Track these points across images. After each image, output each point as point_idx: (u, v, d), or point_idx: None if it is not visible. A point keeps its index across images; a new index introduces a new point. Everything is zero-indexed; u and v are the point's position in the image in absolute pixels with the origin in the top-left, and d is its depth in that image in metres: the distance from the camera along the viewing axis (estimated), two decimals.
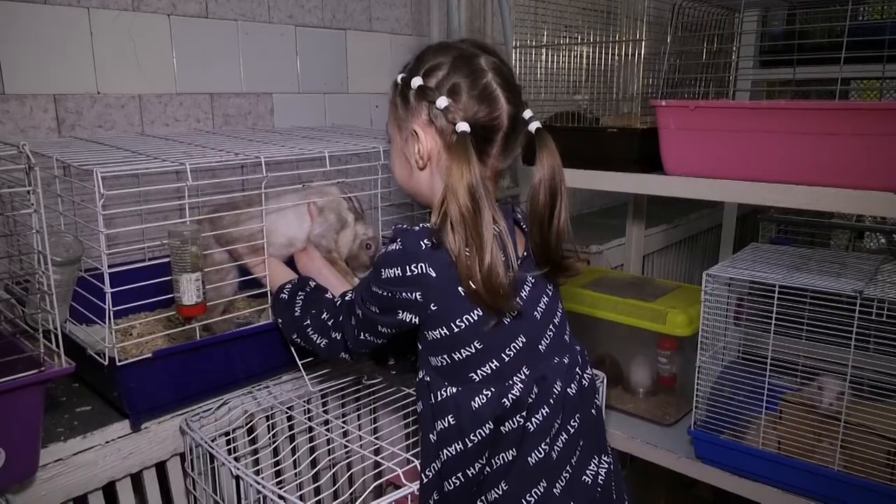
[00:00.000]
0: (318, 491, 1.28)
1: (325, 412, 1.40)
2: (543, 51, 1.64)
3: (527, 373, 0.96)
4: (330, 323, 1.09)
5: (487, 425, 0.94)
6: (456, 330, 0.92)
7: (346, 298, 1.09)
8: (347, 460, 1.43)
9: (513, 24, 1.85)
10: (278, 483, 1.28)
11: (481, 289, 0.89)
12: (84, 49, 1.44)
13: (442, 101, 0.93)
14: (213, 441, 1.13)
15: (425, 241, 0.91)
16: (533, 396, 0.95)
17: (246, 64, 1.69)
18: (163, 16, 1.54)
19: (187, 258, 1.06)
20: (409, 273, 0.91)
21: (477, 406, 0.94)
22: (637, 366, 1.67)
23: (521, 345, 0.96)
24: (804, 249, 1.56)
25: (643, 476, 2.26)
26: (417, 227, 0.94)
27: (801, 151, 1.22)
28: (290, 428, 1.35)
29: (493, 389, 0.94)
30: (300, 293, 1.17)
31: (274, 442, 1.31)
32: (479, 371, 0.94)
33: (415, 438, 1.29)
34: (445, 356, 0.95)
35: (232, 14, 1.65)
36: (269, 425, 1.30)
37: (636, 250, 2.20)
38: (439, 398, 0.96)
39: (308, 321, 1.12)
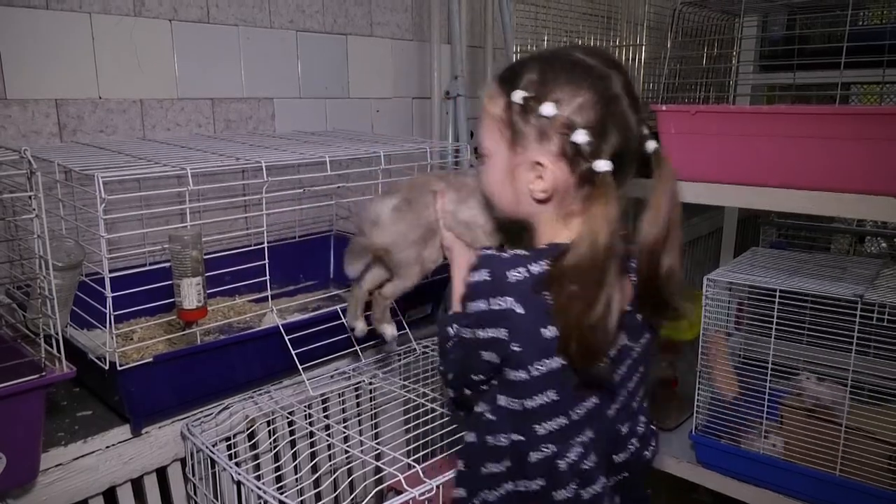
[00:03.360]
0: (318, 496, 1.27)
1: (326, 417, 1.40)
2: None
3: (590, 436, 0.88)
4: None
5: (538, 481, 0.87)
6: (535, 374, 0.83)
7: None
8: (348, 466, 1.43)
9: (513, 29, 1.86)
10: (279, 488, 1.27)
11: (577, 344, 0.81)
12: (85, 54, 1.44)
13: (581, 136, 0.82)
14: (213, 446, 1.12)
15: (519, 270, 0.83)
16: (590, 465, 0.87)
17: (247, 69, 1.70)
18: (164, 21, 1.54)
19: (188, 262, 1.06)
20: (494, 307, 0.83)
21: (534, 461, 0.86)
22: None
23: (591, 405, 0.87)
24: (804, 254, 1.56)
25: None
26: (508, 255, 0.86)
27: (801, 156, 1.22)
28: (292, 433, 1.35)
29: (553, 448, 0.86)
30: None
31: (275, 447, 1.31)
32: (545, 424, 0.86)
33: (416, 444, 1.29)
34: (517, 401, 0.86)
35: (233, 19, 1.65)
36: (269, 430, 1.30)
37: None
38: (500, 443, 0.89)
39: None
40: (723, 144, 1.32)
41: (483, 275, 0.84)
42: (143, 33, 1.52)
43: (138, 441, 1.12)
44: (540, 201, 0.88)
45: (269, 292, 1.24)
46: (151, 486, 1.17)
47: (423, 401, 1.33)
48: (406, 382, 1.40)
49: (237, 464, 1.14)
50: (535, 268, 0.83)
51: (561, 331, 0.81)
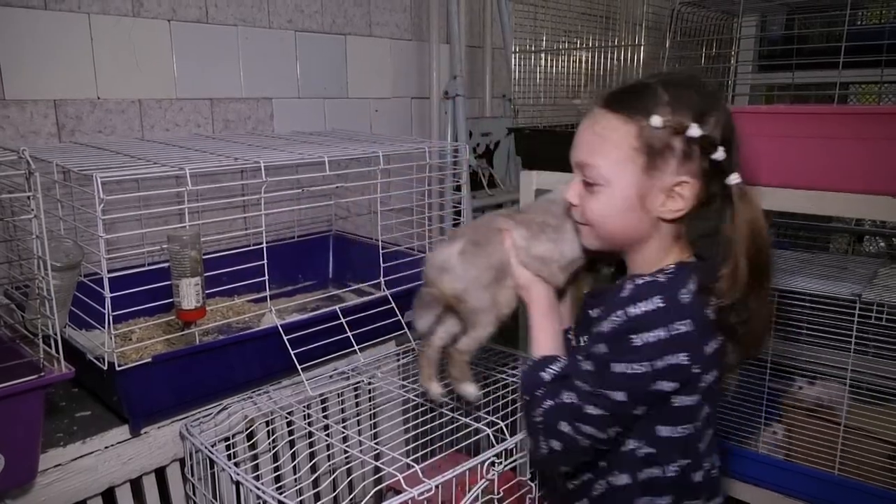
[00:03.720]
0: (317, 496, 1.27)
1: (325, 417, 1.40)
2: (542, 55, 1.64)
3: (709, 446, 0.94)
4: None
5: (702, 499, 0.93)
6: (701, 391, 0.87)
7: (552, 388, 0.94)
8: (347, 466, 1.43)
9: (512, 29, 1.86)
10: (278, 488, 1.27)
11: (755, 348, 0.89)
12: (84, 54, 1.44)
13: (720, 153, 0.85)
14: (212, 446, 1.12)
15: (686, 292, 0.85)
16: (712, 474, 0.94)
17: (246, 69, 1.70)
18: (163, 21, 1.54)
19: (187, 262, 1.06)
20: (674, 333, 0.83)
21: (697, 480, 0.92)
22: None
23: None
24: (803, 253, 1.56)
25: None
26: (666, 279, 0.88)
27: (800, 155, 1.22)
28: (290, 433, 1.35)
29: (710, 462, 0.94)
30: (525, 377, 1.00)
31: (273, 447, 1.31)
32: (703, 440, 0.91)
33: (415, 444, 1.29)
34: (687, 425, 0.89)
35: (232, 19, 1.65)
36: (268, 430, 1.30)
37: None
38: (669, 473, 0.91)
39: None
40: None
41: (656, 302, 0.84)
42: (142, 33, 1.52)
43: (137, 441, 1.12)
44: (667, 221, 0.90)
45: (267, 292, 1.24)
46: (150, 487, 1.17)
47: (421, 400, 1.33)
48: (405, 382, 1.40)
49: (236, 464, 1.14)
50: (692, 286, 0.86)
51: (744, 338, 0.87)
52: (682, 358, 0.83)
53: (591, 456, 0.92)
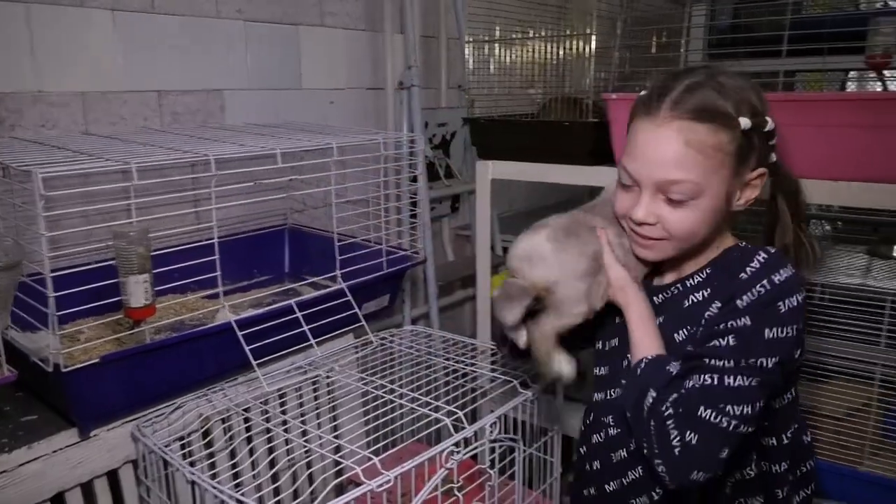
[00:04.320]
0: (277, 492, 1.26)
1: (284, 412, 1.39)
2: (496, 45, 1.65)
3: None
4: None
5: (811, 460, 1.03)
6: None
7: (717, 377, 0.86)
8: (307, 460, 1.42)
9: (466, 18, 1.86)
10: (236, 486, 1.26)
11: None
12: (23, 46, 1.39)
13: (776, 139, 0.91)
14: (166, 446, 1.10)
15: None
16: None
17: (194, 60, 1.66)
18: (105, 11, 1.49)
19: (134, 259, 1.03)
20: (802, 297, 0.88)
21: (808, 441, 1.02)
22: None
23: None
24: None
25: None
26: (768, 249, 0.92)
27: None
28: (248, 430, 1.33)
29: (800, 423, 1.01)
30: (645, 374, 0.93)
31: (231, 445, 1.29)
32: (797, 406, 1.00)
33: (375, 435, 1.29)
34: (792, 389, 0.98)
35: (178, 9, 1.61)
36: (224, 428, 1.28)
37: None
38: (783, 442, 0.98)
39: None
40: None
41: (790, 269, 0.88)
42: (84, 24, 1.47)
43: (87, 444, 1.09)
44: (737, 211, 0.93)
45: (220, 288, 1.22)
46: (102, 490, 1.14)
47: (380, 392, 1.32)
48: (363, 375, 1.39)
49: (191, 463, 1.12)
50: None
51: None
52: (802, 323, 0.88)
53: (733, 445, 0.85)
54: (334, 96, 1.98)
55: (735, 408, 0.83)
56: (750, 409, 0.84)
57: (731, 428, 0.83)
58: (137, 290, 1.04)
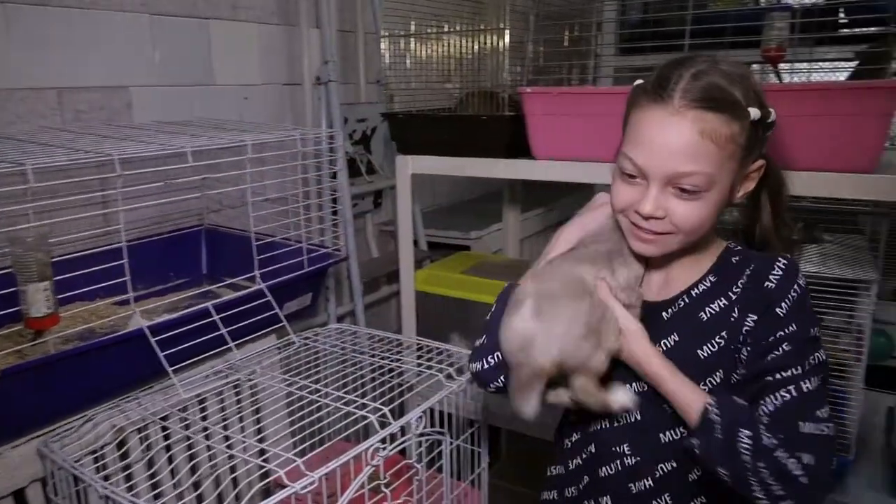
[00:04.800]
0: (200, 499, 1.22)
1: (204, 419, 1.35)
2: (412, 40, 1.64)
3: None
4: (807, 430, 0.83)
5: None
6: None
7: (794, 387, 0.84)
8: (231, 464, 1.39)
9: (383, 13, 1.84)
10: (155, 497, 1.21)
11: None
12: None
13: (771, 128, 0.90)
14: (77, 462, 1.05)
15: None
16: None
17: (95, 56, 1.57)
18: None
19: (33, 266, 0.98)
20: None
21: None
22: None
23: None
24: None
25: (528, 454, 2.34)
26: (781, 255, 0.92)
27: None
28: (167, 438, 1.28)
29: None
30: (723, 419, 0.84)
31: (147, 456, 1.24)
32: None
33: (301, 435, 1.27)
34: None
35: (75, 1, 1.53)
36: (140, 438, 1.23)
37: (513, 234, 2.27)
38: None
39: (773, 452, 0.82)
40: (585, 124, 1.38)
41: (799, 267, 0.91)
42: None
43: None
44: (734, 205, 0.94)
45: (130, 293, 1.17)
46: None
47: (304, 393, 1.31)
48: (287, 376, 1.37)
49: (105, 478, 1.08)
50: None
51: None
52: None
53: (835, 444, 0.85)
54: (249, 92, 1.93)
55: (822, 410, 0.83)
56: (828, 407, 0.84)
57: (831, 431, 0.82)
58: (38, 299, 0.99)
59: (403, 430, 1.16)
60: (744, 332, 0.89)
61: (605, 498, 0.98)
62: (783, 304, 0.87)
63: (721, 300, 0.91)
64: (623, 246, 0.95)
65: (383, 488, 1.16)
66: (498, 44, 1.51)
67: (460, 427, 1.40)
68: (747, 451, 0.80)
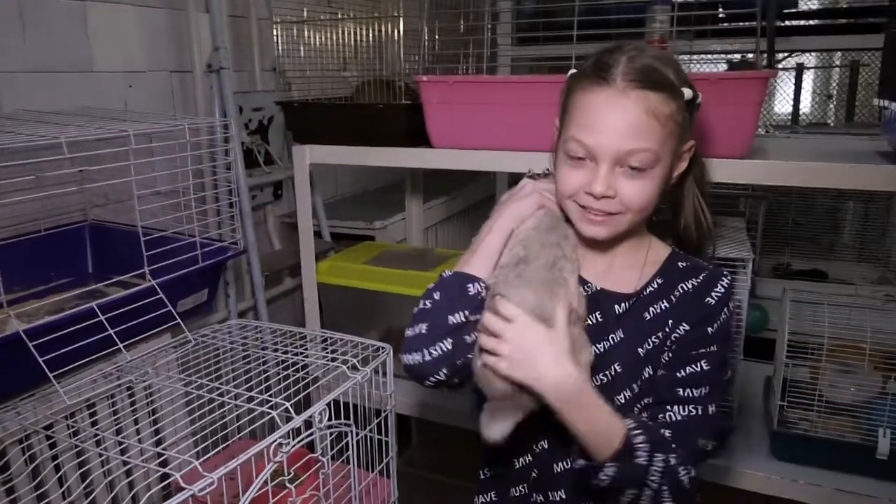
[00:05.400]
0: None
1: (95, 424, 1.28)
2: (306, 27, 1.61)
3: None
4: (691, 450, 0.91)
5: None
6: None
7: (702, 407, 0.91)
8: (126, 469, 1.32)
9: None
10: None
11: None
12: None
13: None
14: None
15: None
16: None
17: None
18: None
19: None
20: None
21: None
22: None
23: None
24: None
25: (439, 441, 2.37)
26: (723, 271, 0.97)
27: (543, 121, 1.32)
28: (52, 447, 1.21)
29: None
30: (648, 445, 0.87)
31: (36, 469, 1.16)
32: None
33: (203, 434, 1.23)
34: None
35: None
36: (23, 449, 1.15)
37: (417, 223, 2.27)
38: None
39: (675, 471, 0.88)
40: (481, 112, 1.39)
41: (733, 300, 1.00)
42: None
43: None
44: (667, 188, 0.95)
45: (1, 296, 1.09)
46: None
47: (203, 392, 1.26)
48: (183, 376, 1.32)
49: None
50: None
51: None
52: None
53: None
54: (133, 80, 1.83)
55: (714, 429, 0.93)
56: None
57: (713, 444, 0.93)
58: None
59: (309, 424, 1.14)
60: (673, 337, 0.94)
61: (559, 493, 1.00)
62: (714, 324, 0.93)
63: (663, 302, 0.96)
64: (563, 246, 0.94)
65: (287, 484, 1.15)
66: (393, 32, 1.50)
67: (369, 417, 1.39)
68: (657, 473, 0.86)
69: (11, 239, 1.45)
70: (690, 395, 0.91)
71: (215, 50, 1.88)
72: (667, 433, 0.90)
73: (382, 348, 1.37)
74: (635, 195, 0.90)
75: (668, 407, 0.92)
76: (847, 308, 1.39)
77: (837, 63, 3.34)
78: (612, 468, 0.85)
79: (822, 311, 1.37)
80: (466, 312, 0.91)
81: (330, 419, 1.18)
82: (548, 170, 1.03)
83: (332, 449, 1.24)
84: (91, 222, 1.64)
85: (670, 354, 0.94)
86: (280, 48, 1.60)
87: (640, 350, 0.95)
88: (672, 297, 0.96)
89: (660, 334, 0.95)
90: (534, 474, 1.02)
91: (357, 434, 1.31)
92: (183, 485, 0.96)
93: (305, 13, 1.59)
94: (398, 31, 1.47)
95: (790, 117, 3.12)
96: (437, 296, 0.95)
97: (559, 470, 0.99)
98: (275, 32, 1.58)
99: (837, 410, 1.38)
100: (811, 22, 2.27)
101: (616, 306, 0.97)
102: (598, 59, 0.91)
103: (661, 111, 0.87)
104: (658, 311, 0.96)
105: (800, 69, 3.05)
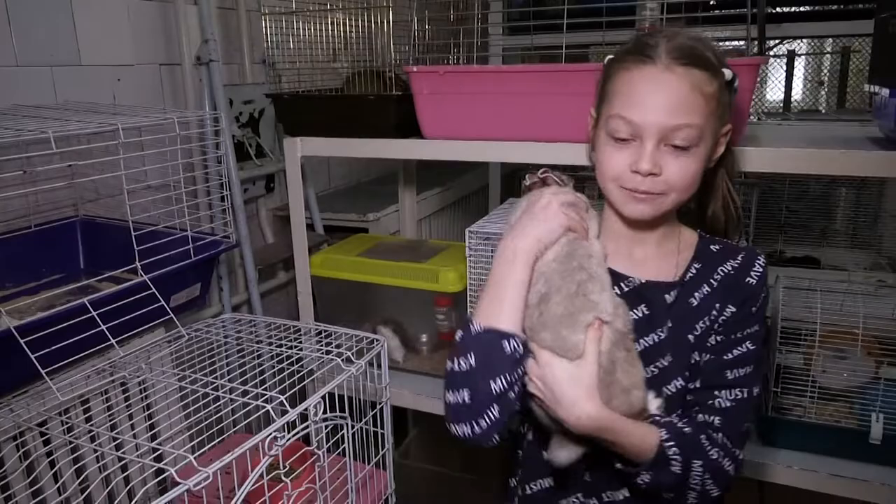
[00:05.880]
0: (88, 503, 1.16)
1: (89, 420, 1.27)
2: (296, 18, 1.60)
3: None
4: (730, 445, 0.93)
5: None
6: None
7: (747, 390, 0.93)
8: (121, 464, 1.32)
9: None
10: None
11: None
12: None
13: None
14: None
15: None
16: None
17: None
18: None
19: None
20: None
21: None
22: (418, 325, 1.73)
23: None
24: None
25: (435, 432, 2.37)
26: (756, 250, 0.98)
27: (535, 110, 1.33)
28: (46, 443, 1.20)
29: None
30: (681, 455, 0.89)
31: (31, 466, 1.16)
32: None
33: (198, 429, 1.23)
34: None
35: None
36: (17, 446, 1.15)
37: (410, 215, 2.27)
38: None
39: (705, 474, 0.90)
40: (472, 102, 1.39)
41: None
42: None
43: None
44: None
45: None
46: None
47: (197, 387, 1.26)
48: (177, 370, 1.31)
49: None
50: None
51: None
52: None
53: None
54: (122, 73, 1.81)
55: (756, 409, 1.01)
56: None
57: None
58: None
59: (305, 418, 1.14)
60: (721, 320, 0.94)
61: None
62: (756, 304, 0.94)
63: (705, 286, 0.96)
64: (588, 266, 0.90)
65: (283, 477, 1.15)
66: (383, 22, 1.49)
67: (364, 410, 1.39)
68: (697, 476, 0.89)
69: (2, 235, 1.44)
70: (738, 376, 0.93)
71: (204, 42, 1.87)
72: (716, 421, 0.92)
73: (377, 340, 1.37)
74: (680, 174, 0.89)
75: (717, 392, 0.93)
76: (840, 294, 1.40)
77: (829, 50, 3.34)
78: (648, 475, 0.88)
79: (814, 298, 1.37)
80: (507, 376, 0.86)
81: (325, 412, 1.18)
82: (546, 171, 0.99)
83: (327, 442, 1.24)
84: (82, 217, 1.63)
85: (718, 338, 0.94)
86: (269, 40, 1.58)
87: (689, 337, 0.95)
88: (713, 281, 0.96)
89: (707, 319, 0.95)
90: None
91: (353, 427, 1.31)
92: (178, 479, 0.96)
93: (294, 4, 1.57)
94: (388, 21, 1.46)
95: (782, 104, 3.12)
96: (472, 359, 0.87)
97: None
98: (264, 24, 1.56)
99: (831, 396, 1.39)
100: (802, 8, 2.26)
101: (665, 296, 0.96)
102: (638, 41, 0.91)
103: (706, 89, 0.87)
104: (703, 295, 0.96)
105: (791, 56, 3.06)
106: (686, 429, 0.91)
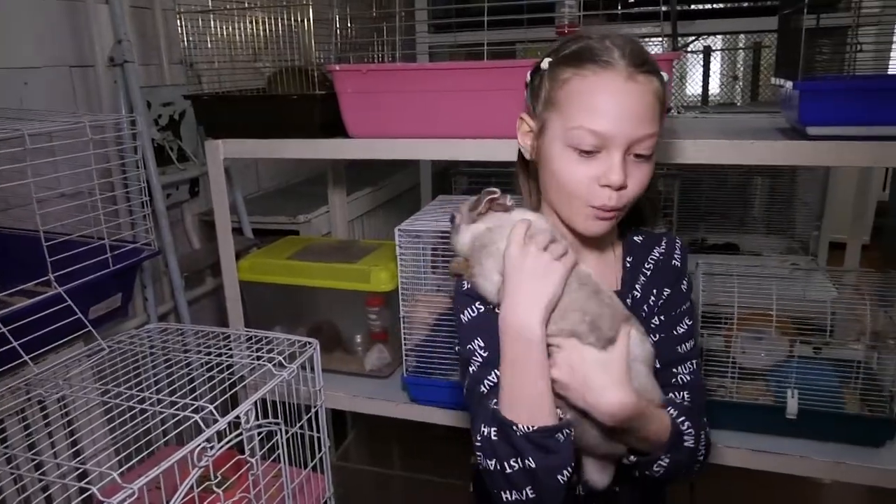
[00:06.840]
0: None
1: (3, 441, 1.21)
2: (213, 17, 1.55)
3: None
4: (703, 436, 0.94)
5: None
6: None
7: (696, 361, 0.99)
8: (41, 485, 1.26)
9: None
10: None
11: None
12: None
13: None
14: None
15: None
16: None
17: None
18: None
19: None
20: None
21: None
22: (351, 326, 1.72)
23: None
24: None
25: (374, 433, 2.36)
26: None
27: (459, 107, 1.33)
28: None
29: None
30: (691, 427, 0.91)
31: None
32: None
33: (125, 442, 1.18)
34: None
35: None
36: None
37: (341, 215, 2.25)
38: None
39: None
40: (396, 100, 1.38)
41: None
42: None
43: None
44: None
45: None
46: None
47: (121, 401, 1.21)
48: (100, 385, 1.26)
49: None
50: None
51: None
52: None
53: None
54: (28, 76, 1.72)
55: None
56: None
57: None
58: None
59: (237, 425, 1.11)
60: (660, 303, 0.98)
61: None
62: (684, 282, 1.00)
63: (641, 276, 0.99)
64: (590, 283, 0.89)
65: (215, 488, 1.12)
66: (302, 20, 1.47)
67: (300, 414, 1.37)
68: (703, 447, 0.93)
69: None
70: (687, 350, 0.97)
71: (118, 43, 1.80)
72: (686, 397, 0.95)
73: (309, 343, 1.35)
74: (640, 183, 0.88)
75: (676, 370, 0.96)
76: (755, 278, 1.47)
77: (742, 45, 3.49)
78: (667, 458, 0.88)
79: (732, 283, 1.43)
80: (569, 463, 0.83)
81: (258, 419, 1.16)
82: (490, 196, 0.93)
83: (262, 449, 1.21)
84: None
85: (662, 317, 0.98)
86: (187, 39, 1.54)
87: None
88: (646, 270, 0.99)
89: (646, 305, 0.98)
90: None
91: (287, 432, 1.29)
92: (101, 499, 0.92)
93: (210, 2, 1.53)
94: (308, 19, 1.44)
95: (700, 98, 3.24)
96: (531, 461, 0.82)
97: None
98: (179, 22, 1.52)
99: (750, 375, 1.45)
100: (715, 5, 2.36)
101: (626, 301, 0.96)
102: (586, 45, 0.86)
103: (660, 94, 0.86)
104: (640, 285, 0.99)
105: (707, 52, 3.18)
106: (679, 401, 0.94)
